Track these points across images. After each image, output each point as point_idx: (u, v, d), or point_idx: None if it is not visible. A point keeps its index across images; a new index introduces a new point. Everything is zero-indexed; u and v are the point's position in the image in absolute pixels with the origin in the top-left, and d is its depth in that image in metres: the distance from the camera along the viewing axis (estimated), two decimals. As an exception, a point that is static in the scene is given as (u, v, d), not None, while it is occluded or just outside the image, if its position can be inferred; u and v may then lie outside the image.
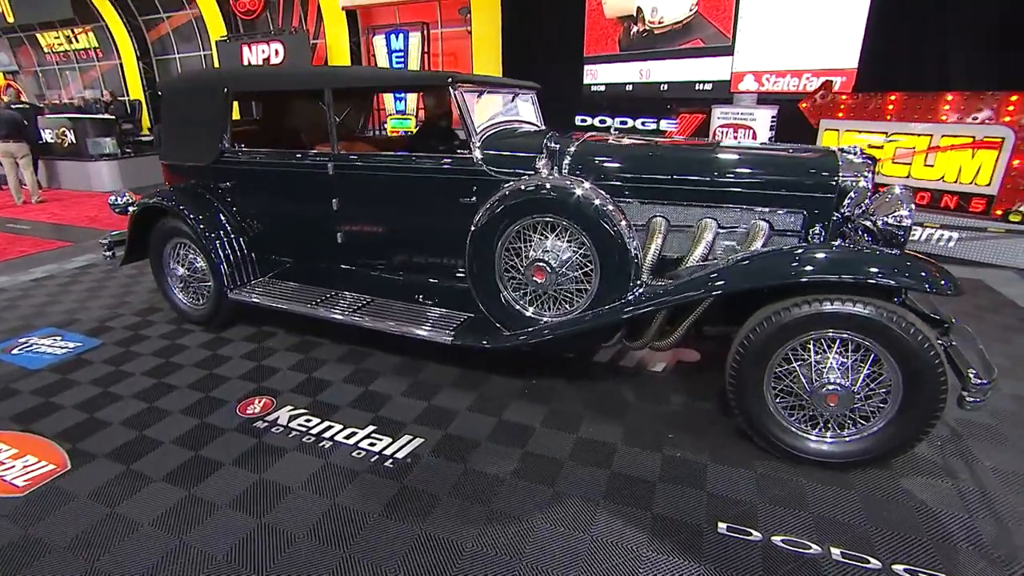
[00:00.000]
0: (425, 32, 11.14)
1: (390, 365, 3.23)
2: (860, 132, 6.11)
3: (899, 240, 2.32)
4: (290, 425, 2.66)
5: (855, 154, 2.65)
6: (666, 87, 8.90)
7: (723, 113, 7.35)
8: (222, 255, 3.43)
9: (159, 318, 3.99)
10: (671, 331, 2.68)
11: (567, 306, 2.69)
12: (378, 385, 3.02)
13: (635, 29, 8.87)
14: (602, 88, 9.68)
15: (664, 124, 8.89)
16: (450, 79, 2.80)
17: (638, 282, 2.51)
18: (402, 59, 11.46)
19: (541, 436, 2.58)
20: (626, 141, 2.95)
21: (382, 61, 11.52)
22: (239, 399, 2.89)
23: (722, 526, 2.05)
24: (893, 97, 5.87)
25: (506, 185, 2.63)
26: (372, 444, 2.51)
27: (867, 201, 2.49)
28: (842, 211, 2.54)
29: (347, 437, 2.56)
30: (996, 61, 6.28)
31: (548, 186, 2.51)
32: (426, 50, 11.30)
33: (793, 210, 2.57)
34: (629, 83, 9.32)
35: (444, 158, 2.92)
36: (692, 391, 2.98)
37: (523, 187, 2.56)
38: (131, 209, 3.70)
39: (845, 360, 2.23)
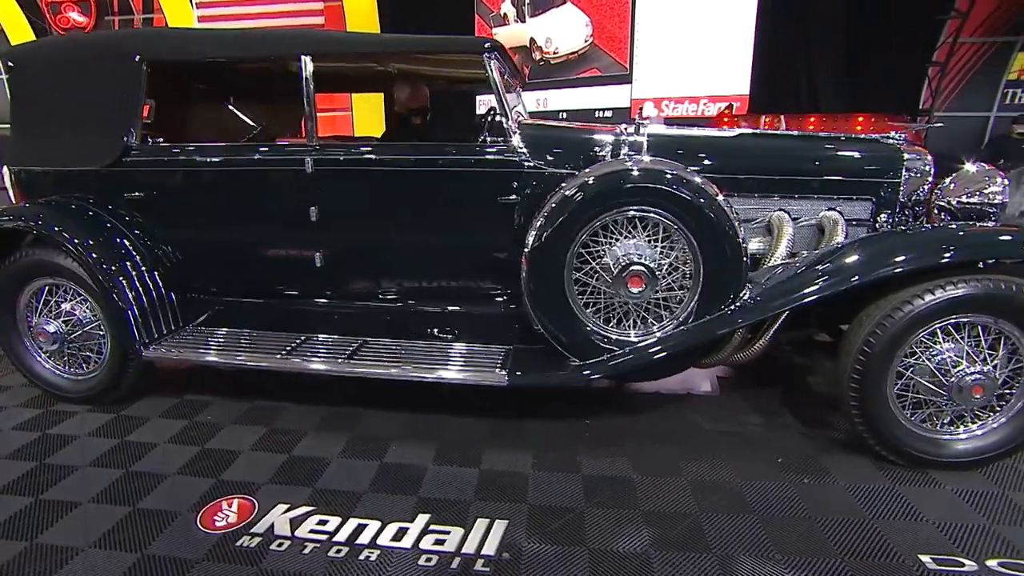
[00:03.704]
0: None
1: (397, 426, 2.44)
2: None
3: (990, 217, 2.23)
4: (298, 535, 1.78)
5: (899, 141, 2.58)
6: (564, 115, 9.01)
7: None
8: (130, 297, 2.37)
9: (8, 400, 2.69)
10: (753, 340, 2.32)
11: (654, 322, 2.18)
12: (397, 455, 2.22)
13: (532, 58, 8.92)
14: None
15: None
16: (488, 44, 2.22)
17: (746, 285, 2.11)
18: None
19: (648, 489, 2.02)
20: (696, 130, 2.59)
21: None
22: (195, 506, 1.91)
23: (926, 559, 1.68)
24: (765, 119, 6.39)
25: (581, 175, 2.08)
26: (439, 542, 1.74)
27: (926, 186, 2.43)
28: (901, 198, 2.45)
29: (396, 538, 1.76)
30: (848, 85, 7.34)
31: (655, 172, 2.03)
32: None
33: (863, 198, 2.42)
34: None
35: (472, 147, 2.29)
36: (748, 407, 2.64)
37: (614, 174, 2.03)
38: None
39: (963, 347, 2.05)
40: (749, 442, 2.36)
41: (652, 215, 2.07)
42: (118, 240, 2.43)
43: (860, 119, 6.13)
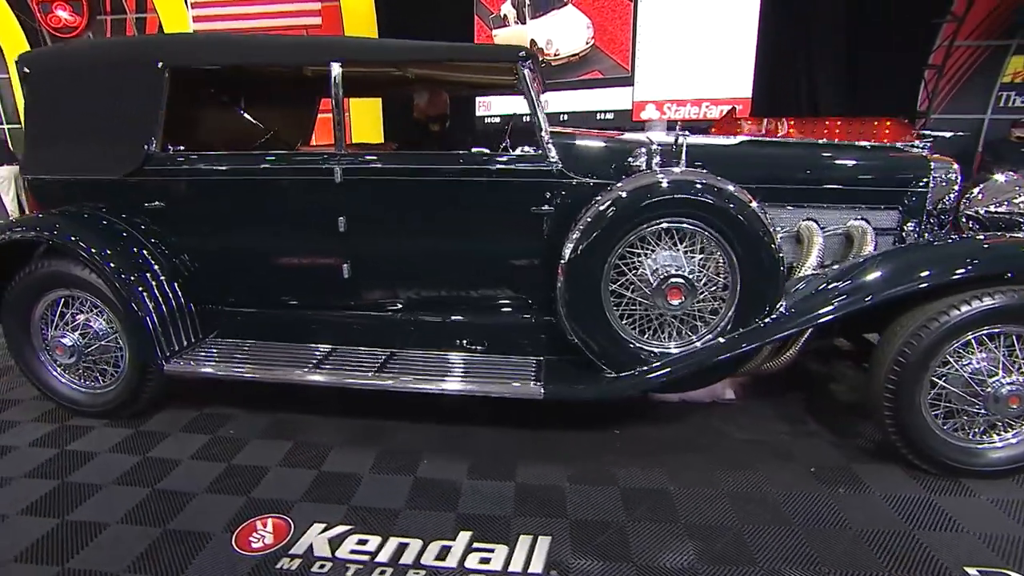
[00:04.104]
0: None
1: (425, 438, 2.40)
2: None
3: (1020, 227, 2.24)
4: (339, 555, 1.74)
5: (925, 149, 2.59)
6: (566, 117, 8.99)
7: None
8: (150, 309, 2.31)
9: (21, 414, 2.62)
10: (784, 349, 2.31)
11: (690, 333, 2.16)
12: (430, 470, 2.19)
13: (534, 60, 8.90)
14: (496, 120, 9.52)
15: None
16: (523, 52, 2.18)
17: (782, 295, 2.10)
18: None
19: (686, 501, 2.01)
20: (733, 139, 2.58)
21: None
22: (229, 527, 1.86)
23: (972, 571, 1.68)
24: (791, 122, 6.44)
25: (615, 188, 2.06)
26: (484, 561, 1.71)
27: (953, 195, 2.44)
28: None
29: (440, 557, 1.73)
30: (847, 89, 7.40)
31: (686, 183, 2.01)
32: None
33: (891, 207, 2.42)
34: (526, 114, 9.27)
35: (504, 156, 2.26)
36: (773, 415, 2.63)
37: (645, 187, 2.01)
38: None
39: (997, 356, 2.05)
40: (779, 451, 2.35)
41: (688, 226, 2.05)
42: (137, 250, 2.37)
43: (888, 123, 6.18)
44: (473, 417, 2.51)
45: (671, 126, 7.99)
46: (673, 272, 2.02)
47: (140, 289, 2.30)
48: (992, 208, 2.31)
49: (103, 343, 2.46)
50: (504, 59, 2.24)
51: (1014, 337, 2.01)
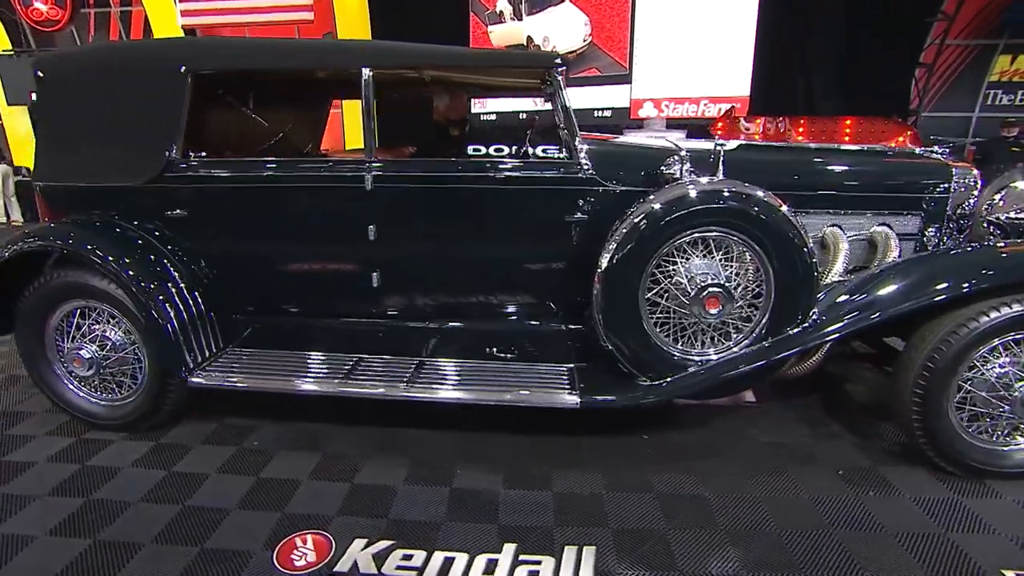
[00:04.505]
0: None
1: (454, 447, 2.39)
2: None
3: (1038, 233, 2.29)
4: (385, 571, 1.72)
5: (944, 155, 2.63)
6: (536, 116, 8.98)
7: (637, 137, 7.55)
8: (173, 321, 2.26)
9: (35, 428, 2.55)
10: (810, 354, 2.34)
11: (722, 339, 2.18)
12: (465, 480, 2.17)
13: (530, 57, 8.86)
14: (493, 117, 9.49)
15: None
16: (558, 60, 2.16)
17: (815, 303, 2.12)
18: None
19: (722, 506, 2.03)
20: (762, 145, 2.59)
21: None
22: (268, 544, 1.83)
23: (1010, 574, 1.72)
24: (803, 121, 6.52)
25: (648, 201, 2.05)
26: (534, 574, 1.71)
27: (972, 200, 2.48)
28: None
29: (488, 571, 1.72)
30: (841, 88, 7.50)
31: (715, 193, 2.02)
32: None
33: (913, 213, 2.46)
34: (522, 111, 9.25)
35: (537, 164, 2.25)
36: (794, 417, 2.67)
37: (676, 200, 2.01)
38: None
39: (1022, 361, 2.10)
40: (804, 454, 2.38)
41: (723, 234, 2.06)
42: (158, 259, 2.32)
43: (887, 123, 6.33)
44: (497, 424, 2.50)
45: (667, 125, 8.04)
46: (711, 281, 2.02)
47: (163, 300, 2.25)
48: (1013, 215, 2.35)
49: (122, 355, 2.40)
50: (541, 67, 2.21)
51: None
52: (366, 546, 1.82)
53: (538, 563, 1.75)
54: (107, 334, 2.40)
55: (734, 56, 7.29)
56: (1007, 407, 2.07)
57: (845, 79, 7.41)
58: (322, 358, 2.42)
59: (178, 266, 2.37)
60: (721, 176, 2.14)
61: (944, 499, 2.09)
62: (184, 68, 2.22)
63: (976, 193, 2.49)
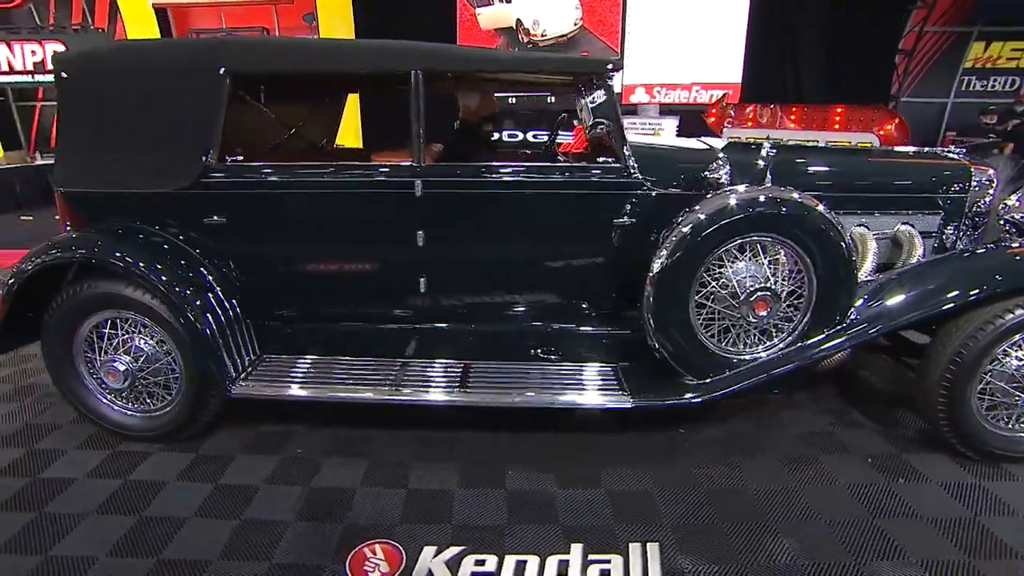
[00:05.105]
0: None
1: (495, 448, 2.42)
2: (759, 139, 6.79)
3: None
4: (461, 577, 1.76)
5: (963, 155, 2.74)
6: (553, 99, 8.94)
7: (630, 123, 7.58)
8: (216, 331, 2.22)
9: (64, 441, 2.48)
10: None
11: (763, 338, 2.25)
12: (517, 482, 2.21)
13: (520, 40, 8.74)
14: (513, 100, 9.35)
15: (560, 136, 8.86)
16: (611, 65, 2.16)
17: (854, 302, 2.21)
18: (240, 67, 9.68)
19: (767, 498, 2.12)
20: (799, 148, 2.66)
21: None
22: (337, 556, 1.85)
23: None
24: (795, 109, 6.64)
25: (694, 211, 2.09)
26: (605, 572, 1.77)
27: (988, 199, 2.60)
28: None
29: (562, 572, 1.78)
30: (828, 75, 7.66)
31: (752, 200, 2.07)
32: (270, 58, 9.75)
33: (934, 212, 2.57)
34: (512, 96, 9.15)
35: (587, 168, 2.26)
36: (815, 408, 2.78)
37: (719, 211, 2.06)
38: (13, 277, 2.22)
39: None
40: (834, 444, 2.49)
41: (770, 239, 2.12)
42: (195, 267, 2.26)
43: (874, 111, 6.52)
44: (532, 423, 2.53)
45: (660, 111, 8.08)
46: (760, 285, 2.09)
47: (205, 312, 2.21)
48: (1026, 215, 2.48)
49: (156, 365, 2.35)
50: (594, 72, 2.21)
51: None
52: (437, 553, 1.85)
53: (607, 561, 1.81)
54: (140, 345, 2.34)
55: (726, 42, 7.34)
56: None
57: (831, 66, 7.56)
58: (365, 363, 2.41)
59: (215, 273, 2.31)
60: (769, 182, 2.19)
61: (968, 484, 2.22)
62: (223, 69, 2.14)
63: (992, 192, 2.60)
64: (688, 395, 2.20)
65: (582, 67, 2.36)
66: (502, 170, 2.28)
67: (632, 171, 2.22)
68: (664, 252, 2.08)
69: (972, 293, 2.09)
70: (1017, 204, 2.52)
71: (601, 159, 2.25)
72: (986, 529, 1.98)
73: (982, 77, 9.01)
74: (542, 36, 8.61)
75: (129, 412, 2.41)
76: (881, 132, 6.26)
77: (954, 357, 2.18)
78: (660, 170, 2.28)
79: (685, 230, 2.07)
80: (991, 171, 2.60)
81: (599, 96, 2.17)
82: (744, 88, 7.42)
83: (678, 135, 7.59)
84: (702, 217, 2.07)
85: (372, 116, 8.31)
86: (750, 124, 6.95)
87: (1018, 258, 2.22)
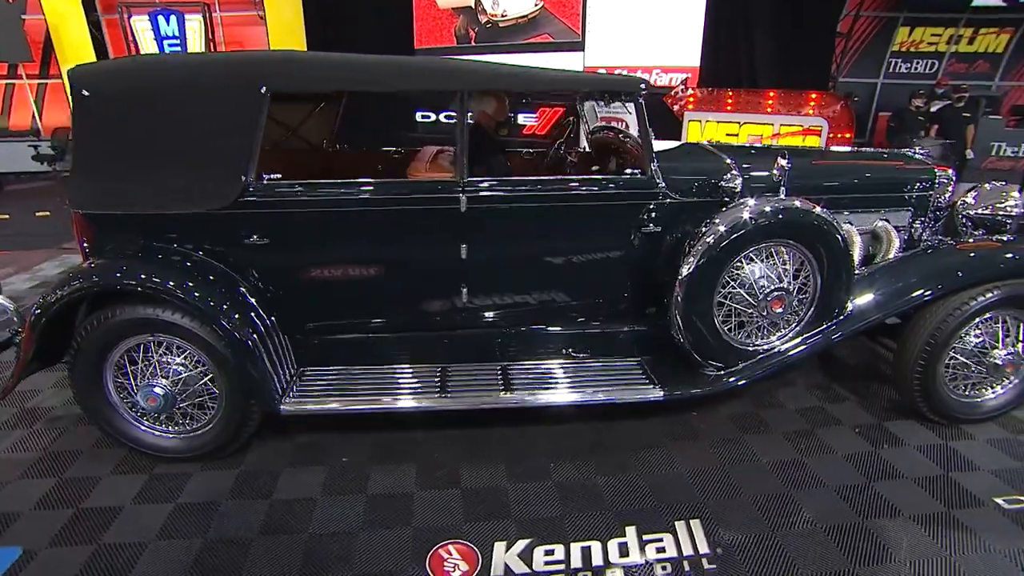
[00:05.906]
0: (207, 15, 8.99)
1: (530, 443, 2.58)
2: (719, 123, 7.11)
3: (1007, 227, 2.80)
4: (537, 569, 1.94)
5: (926, 158, 3.09)
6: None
7: (595, 106, 7.69)
8: (263, 352, 2.23)
9: (96, 467, 2.43)
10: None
11: (776, 331, 2.52)
12: (562, 474, 2.40)
13: (479, 21, 8.62)
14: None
15: (522, 118, 8.90)
16: (643, 84, 2.28)
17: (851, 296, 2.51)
18: (178, 47, 9.06)
19: (782, 470, 2.42)
20: (805, 155, 2.91)
21: (150, 49, 8.93)
22: (415, 560, 1.97)
23: (999, 500, 2.26)
24: (731, 93, 6.95)
25: (715, 223, 2.30)
26: (661, 550, 2.00)
27: (947, 196, 2.97)
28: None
29: (624, 554, 1.99)
30: (780, 58, 8.07)
31: (765, 211, 2.32)
32: (210, 37, 9.17)
33: (906, 208, 2.93)
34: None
35: (617, 181, 2.43)
36: (804, 384, 3.12)
37: (743, 221, 2.29)
38: (40, 309, 2.13)
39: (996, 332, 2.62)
40: (827, 417, 2.82)
41: (786, 245, 2.38)
42: (235, 288, 2.26)
43: (814, 96, 6.91)
44: (557, 418, 2.72)
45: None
46: (777, 285, 2.34)
47: (251, 333, 2.21)
48: (980, 211, 2.85)
49: (194, 387, 2.33)
50: (626, 91, 2.34)
51: (1008, 318, 2.58)
52: (509, 548, 2.01)
53: (660, 540, 2.04)
54: (176, 367, 2.32)
55: (686, 26, 7.56)
56: (982, 369, 2.59)
57: (778, 50, 7.94)
58: (407, 371, 2.50)
59: (254, 293, 2.31)
60: (784, 191, 2.43)
61: (938, 445, 2.61)
62: (264, 88, 2.11)
63: (951, 189, 2.97)
64: (718, 385, 2.44)
65: (617, 86, 2.49)
66: (540, 184, 2.40)
67: (658, 182, 2.39)
68: (692, 259, 2.29)
69: (940, 287, 2.45)
70: (973, 201, 2.88)
71: (628, 171, 2.40)
72: (957, 483, 2.36)
73: (907, 60, 9.75)
74: (502, 16, 8.55)
75: (166, 434, 2.39)
76: (832, 113, 6.71)
77: (929, 339, 2.54)
78: (679, 181, 2.46)
79: (709, 240, 2.28)
80: (949, 171, 2.95)
81: (630, 111, 2.32)
82: (703, 72, 7.70)
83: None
84: (722, 229, 2.29)
85: (351, 119, 8.03)
86: (691, 102, 7.16)
87: (972, 255, 2.58)
